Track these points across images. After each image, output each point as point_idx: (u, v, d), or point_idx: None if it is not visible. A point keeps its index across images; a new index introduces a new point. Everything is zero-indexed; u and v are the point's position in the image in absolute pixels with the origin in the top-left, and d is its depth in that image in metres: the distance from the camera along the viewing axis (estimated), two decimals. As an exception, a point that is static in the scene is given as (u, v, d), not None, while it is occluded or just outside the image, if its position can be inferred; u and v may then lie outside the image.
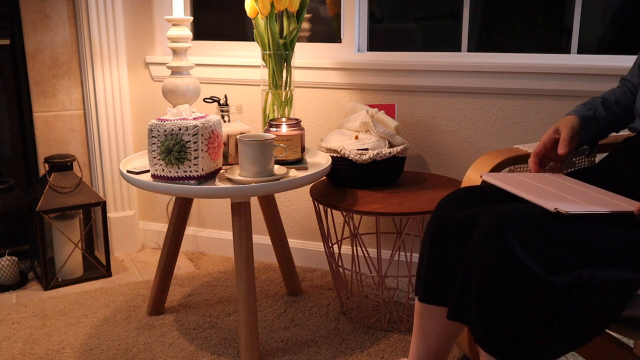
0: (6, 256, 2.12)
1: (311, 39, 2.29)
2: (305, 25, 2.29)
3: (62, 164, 2.14)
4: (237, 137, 1.58)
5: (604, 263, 1.03)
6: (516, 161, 1.46)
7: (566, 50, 1.95)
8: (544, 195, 1.13)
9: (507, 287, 1.00)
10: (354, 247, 1.85)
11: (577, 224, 1.06)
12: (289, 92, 1.89)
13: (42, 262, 2.10)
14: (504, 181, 1.22)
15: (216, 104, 1.85)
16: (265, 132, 1.72)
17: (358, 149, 1.81)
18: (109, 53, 2.27)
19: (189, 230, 2.47)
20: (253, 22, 1.87)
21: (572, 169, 1.51)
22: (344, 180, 1.84)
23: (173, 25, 1.88)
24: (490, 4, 2.06)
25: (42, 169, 2.28)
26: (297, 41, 2.09)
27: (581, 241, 1.03)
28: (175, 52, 1.89)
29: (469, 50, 2.05)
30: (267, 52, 1.85)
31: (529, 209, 1.06)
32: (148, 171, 1.65)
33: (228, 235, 2.43)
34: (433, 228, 1.21)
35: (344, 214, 1.71)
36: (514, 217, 1.03)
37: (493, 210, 1.06)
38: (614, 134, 1.45)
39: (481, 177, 1.28)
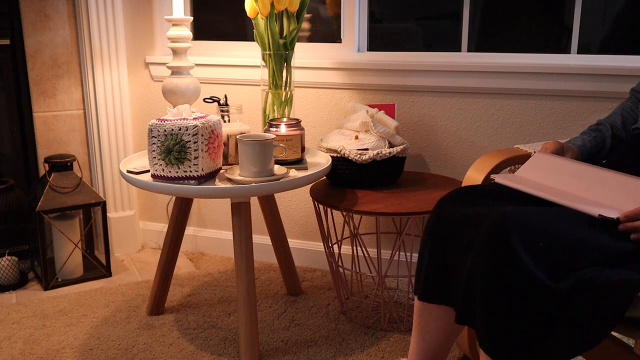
0: (6, 256, 2.12)
1: (311, 39, 2.29)
2: (305, 25, 2.29)
3: (62, 164, 2.14)
4: (237, 137, 1.58)
5: (606, 265, 1.02)
6: (516, 161, 1.46)
7: (566, 50, 1.95)
8: (566, 197, 1.13)
9: (511, 291, 0.99)
10: (354, 247, 1.85)
11: (580, 227, 1.05)
12: (289, 92, 1.89)
13: (42, 262, 2.10)
14: (518, 182, 1.21)
15: (216, 104, 1.85)
16: (265, 132, 1.72)
17: (358, 149, 1.81)
18: (109, 53, 2.27)
19: (189, 230, 2.47)
20: (253, 22, 1.87)
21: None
22: (344, 180, 1.84)
23: (173, 25, 1.88)
24: (490, 4, 2.06)
25: (42, 169, 2.28)
26: (297, 41, 2.09)
27: (584, 244, 1.03)
28: (175, 52, 1.89)
29: (469, 50, 2.05)
30: (267, 52, 1.85)
31: (532, 212, 1.06)
32: (148, 171, 1.65)
33: (228, 235, 2.43)
34: (432, 226, 1.21)
35: (344, 214, 1.71)
36: (517, 220, 1.03)
37: (496, 213, 1.05)
38: None
39: (493, 179, 1.28)
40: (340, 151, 1.80)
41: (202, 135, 1.50)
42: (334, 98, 2.16)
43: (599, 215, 1.06)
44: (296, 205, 2.30)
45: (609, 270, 1.00)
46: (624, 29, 1.94)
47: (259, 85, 2.22)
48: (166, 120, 1.52)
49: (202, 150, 1.50)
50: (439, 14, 2.16)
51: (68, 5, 2.24)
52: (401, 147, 1.83)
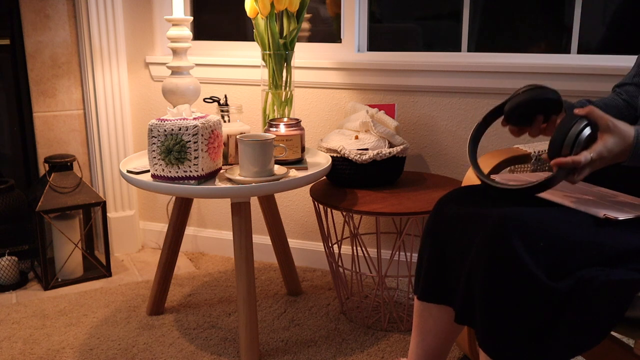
0: (6, 256, 2.12)
1: (311, 39, 2.29)
2: (305, 25, 2.29)
3: (62, 164, 2.14)
4: (237, 137, 1.58)
5: (606, 265, 1.02)
6: (516, 161, 1.45)
7: (566, 50, 1.95)
8: (568, 197, 1.13)
9: (511, 291, 0.99)
10: (354, 247, 1.85)
11: (580, 227, 1.05)
12: (289, 92, 1.89)
13: (42, 262, 2.10)
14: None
15: (216, 104, 1.85)
16: (265, 132, 1.72)
17: (358, 149, 1.81)
18: (109, 53, 2.27)
19: (189, 230, 2.47)
20: (253, 22, 1.87)
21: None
22: (344, 180, 1.84)
23: (173, 25, 1.88)
24: (490, 4, 2.06)
25: (42, 169, 2.28)
26: (297, 41, 2.09)
27: (584, 244, 1.03)
28: (175, 52, 1.89)
29: (469, 50, 2.05)
30: (267, 52, 1.85)
31: (532, 212, 1.06)
32: (148, 171, 1.65)
33: (228, 235, 2.43)
34: (432, 226, 1.21)
35: (344, 214, 1.71)
36: (518, 220, 1.03)
37: (496, 213, 1.05)
38: None
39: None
40: (340, 151, 1.80)
41: (202, 135, 1.50)
42: (334, 98, 2.16)
43: (604, 215, 1.05)
44: (296, 205, 2.30)
45: (609, 270, 1.00)
46: (621, 28, 1.94)
47: (259, 85, 2.22)
48: (166, 120, 1.52)
49: (202, 150, 1.50)
50: (439, 14, 2.16)
51: (68, 5, 2.24)
52: (401, 147, 1.83)
